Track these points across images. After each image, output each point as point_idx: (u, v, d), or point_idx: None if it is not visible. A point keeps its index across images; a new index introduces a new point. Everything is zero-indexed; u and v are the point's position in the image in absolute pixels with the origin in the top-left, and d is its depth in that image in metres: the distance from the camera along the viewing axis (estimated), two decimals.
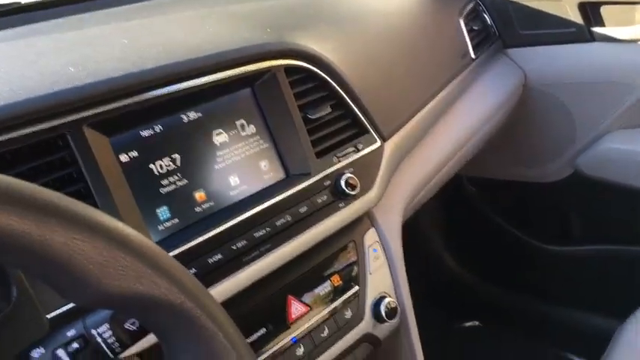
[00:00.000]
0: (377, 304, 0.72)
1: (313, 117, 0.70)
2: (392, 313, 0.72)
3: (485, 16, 1.19)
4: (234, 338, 0.37)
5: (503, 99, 1.12)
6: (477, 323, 1.48)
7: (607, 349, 0.89)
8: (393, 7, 0.97)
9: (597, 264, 1.25)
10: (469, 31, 1.11)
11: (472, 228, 1.43)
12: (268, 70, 0.66)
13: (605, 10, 1.12)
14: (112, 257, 0.31)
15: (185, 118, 0.61)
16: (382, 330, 0.72)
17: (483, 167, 1.32)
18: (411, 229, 1.44)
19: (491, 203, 1.39)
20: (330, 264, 0.70)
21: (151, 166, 0.57)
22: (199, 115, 0.62)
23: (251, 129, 0.66)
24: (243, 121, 0.65)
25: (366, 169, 0.74)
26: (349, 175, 0.70)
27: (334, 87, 0.72)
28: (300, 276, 0.67)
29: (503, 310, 1.44)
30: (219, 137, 0.63)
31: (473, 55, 1.09)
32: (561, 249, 1.30)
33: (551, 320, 1.35)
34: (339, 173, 0.70)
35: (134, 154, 0.56)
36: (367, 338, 0.71)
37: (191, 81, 0.59)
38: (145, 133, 0.57)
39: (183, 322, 0.35)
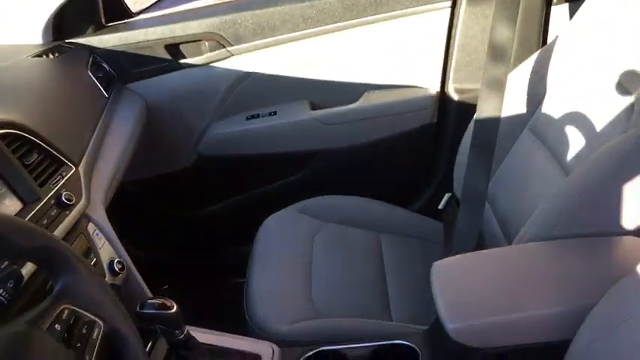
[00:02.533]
0: (110, 265, 1.12)
1: (28, 163, 1.05)
2: (120, 268, 1.13)
3: (104, 64, 1.63)
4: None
5: (136, 119, 1.59)
6: (166, 287, 1.94)
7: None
8: (40, 77, 1.34)
9: (227, 213, 1.86)
10: (97, 78, 1.53)
11: (140, 217, 1.88)
12: None
13: (183, 47, 1.68)
14: None
15: None
16: (119, 279, 1.13)
17: (137, 171, 1.77)
18: None
19: (149, 194, 1.86)
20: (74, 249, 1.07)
21: None
22: None
23: None
24: None
25: (74, 186, 1.12)
26: (65, 193, 1.08)
27: (35, 141, 1.08)
28: None
29: (183, 270, 1.94)
30: None
31: (106, 95, 1.53)
32: (205, 210, 1.87)
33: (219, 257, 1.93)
34: (58, 194, 1.07)
35: None
36: (112, 287, 1.11)
37: None
38: None
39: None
